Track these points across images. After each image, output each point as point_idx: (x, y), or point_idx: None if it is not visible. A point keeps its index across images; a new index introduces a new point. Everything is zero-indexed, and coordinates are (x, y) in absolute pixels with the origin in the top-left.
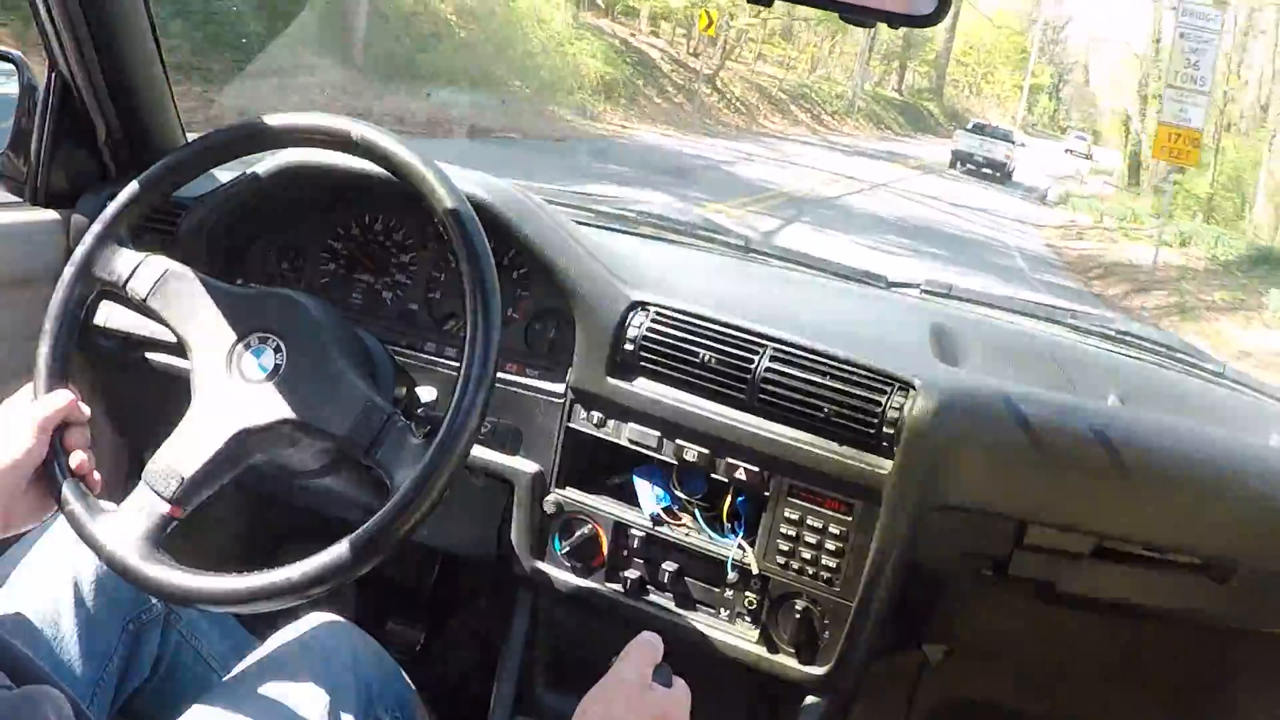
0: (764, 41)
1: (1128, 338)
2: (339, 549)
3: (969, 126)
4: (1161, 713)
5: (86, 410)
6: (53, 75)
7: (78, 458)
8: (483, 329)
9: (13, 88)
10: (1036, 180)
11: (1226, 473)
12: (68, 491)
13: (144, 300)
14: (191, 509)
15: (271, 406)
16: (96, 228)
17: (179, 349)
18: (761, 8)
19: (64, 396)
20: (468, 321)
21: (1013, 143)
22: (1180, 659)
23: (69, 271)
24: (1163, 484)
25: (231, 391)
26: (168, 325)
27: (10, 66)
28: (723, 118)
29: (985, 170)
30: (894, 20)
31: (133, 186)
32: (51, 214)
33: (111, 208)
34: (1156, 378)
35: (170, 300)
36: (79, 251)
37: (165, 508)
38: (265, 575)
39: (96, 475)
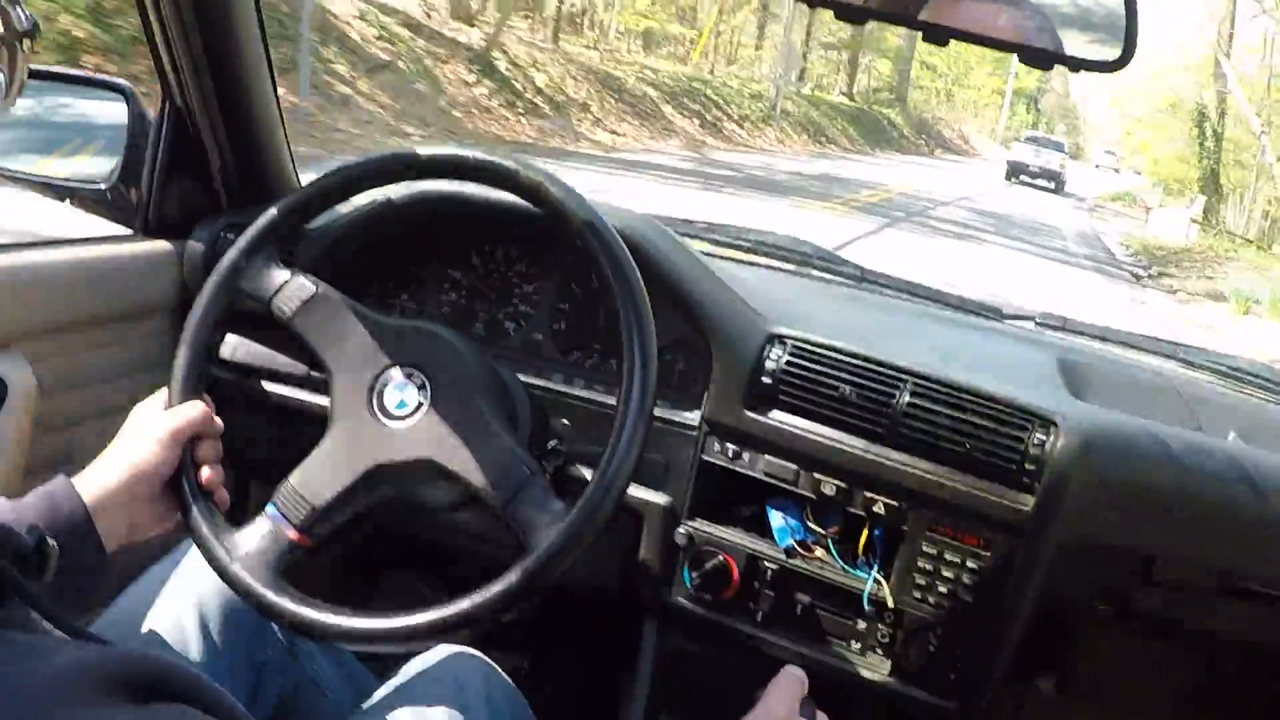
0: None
1: (1240, 374)
2: (489, 592)
3: (1023, 138)
4: None
5: (220, 424)
6: (166, 104)
7: (207, 472)
8: (640, 361)
9: (121, 117)
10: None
11: None
12: (195, 509)
13: (289, 319)
14: (315, 541)
15: (411, 445)
16: (243, 242)
17: (302, 381)
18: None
19: (198, 408)
20: (626, 355)
21: (1065, 152)
22: None
23: (213, 280)
24: None
25: (371, 424)
26: (311, 348)
27: (119, 96)
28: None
29: (1040, 181)
30: (1074, 64)
31: (284, 203)
32: (164, 244)
33: (260, 223)
34: (1273, 415)
35: (316, 322)
36: (225, 261)
37: (293, 534)
38: (414, 616)
39: (225, 493)
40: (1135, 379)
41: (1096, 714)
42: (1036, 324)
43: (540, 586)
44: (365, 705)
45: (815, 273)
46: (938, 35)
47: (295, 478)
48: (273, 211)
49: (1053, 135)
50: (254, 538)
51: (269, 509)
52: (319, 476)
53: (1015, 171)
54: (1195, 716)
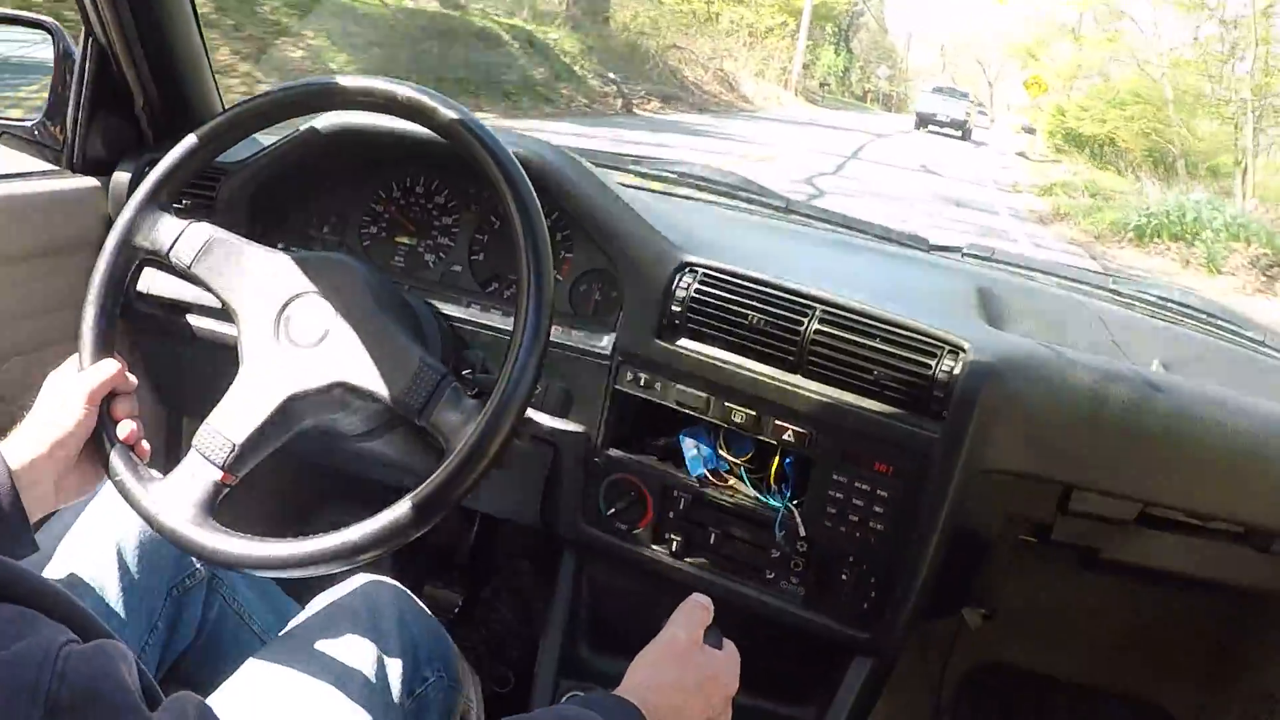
0: None
1: (1169, 304)
2: (399, 510)
3: (930, 89)
4: (1190, 678)
5: (133, 379)
6: (89, 42)
7: (126, 427)
8: (535, 286)
9: (48, 54)
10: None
11: (1269, 443)
12: (117, 462)
13: (188, 268)
14: (243, 475)
15: (322, 370)
16: (138, 196)
17: (223, 314)
18: None
19: (111, 366)
20: (520, 279)
21: (970, 100)
22: (1215, 626)
23: (111, 240)
24: (1208, 452)
25: (281, 356)
26: (214, 292)
27: (45, 34)
28: None
29: (948, 130)
30: None
31: (175, 153)
32: (90, 181)
33: (153, 175)
34: (1198, 345)
35: (215, 267)
36: (121, 220)
37: (217, 474)
38: (324, 539)
39: (145, 444)
40: (1058, 309)
41: (1027, 646)
42: (963, 255)
43: (457, 494)
44: (280, 633)
45: (740, 204)
46: None
47: (213, 417)
48: (162, 166)
49: (954, 85)
50: (179, 480)
51: (191, 452)
52: (236, 413)
53: (924, 121)
54: (1123, 647)
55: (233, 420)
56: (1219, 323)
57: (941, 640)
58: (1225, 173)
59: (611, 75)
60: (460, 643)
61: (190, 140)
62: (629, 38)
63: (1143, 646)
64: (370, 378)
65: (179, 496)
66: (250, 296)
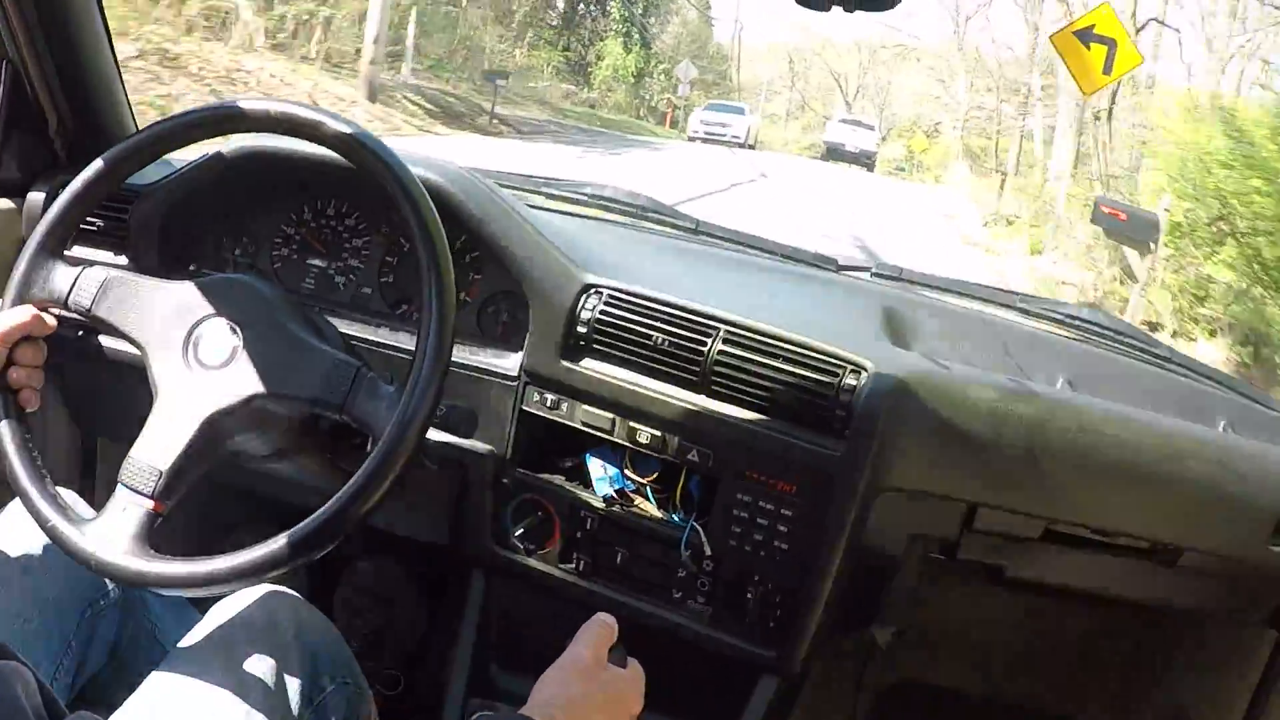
0: None
1: (1077, 322)
2: (304, 528)
3: (840, 118)
4: (1105, 694)
5: (51, 321)
6: (3, 64)
7: (16, 372)
8: (437, 306)
9: None
10: None
11: (1174, 459)
12: (46, 509)
13: (89, 311)
14: (174, 502)
15: (236, 385)
16: (29, 248)
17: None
18: None
19: (25, 311)
20: (423, 300)
21: (875, 130)
22: (1125, 642)
23: (8, 297)
24: (1112, 469)
25: (194, 380)
26: (118, 332)
27: None
28: None
29: (856, 161)
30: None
31: (66, 195)
32: (5, 203)
33: (42, 224)
34: (1105, 362)
35: (115, 306)
36: (15, 275)
37: (148, 504)
38: (268, 546)
39: (31, 394)
40: (964, 327)
41: (940, 665)
42: (872, 275)
43: (359, 513)
44: (180, 646)
45: (650, 225)
46: None
47: (136, 450)
48: (54, 210)
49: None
50: (109, 517)
51: (119, 488)
52: (158, 441)
53: (832, 152)
54: (1036, 665)
55: (155, 448)
56: (1126, 340)
57: (853, 659)
58: None
59: None
60: (372, 664)
61: (96, 166)
62: None
63: (1055, 663)
64: (286, 383)
65: (113, 532)
66: (155, 328)
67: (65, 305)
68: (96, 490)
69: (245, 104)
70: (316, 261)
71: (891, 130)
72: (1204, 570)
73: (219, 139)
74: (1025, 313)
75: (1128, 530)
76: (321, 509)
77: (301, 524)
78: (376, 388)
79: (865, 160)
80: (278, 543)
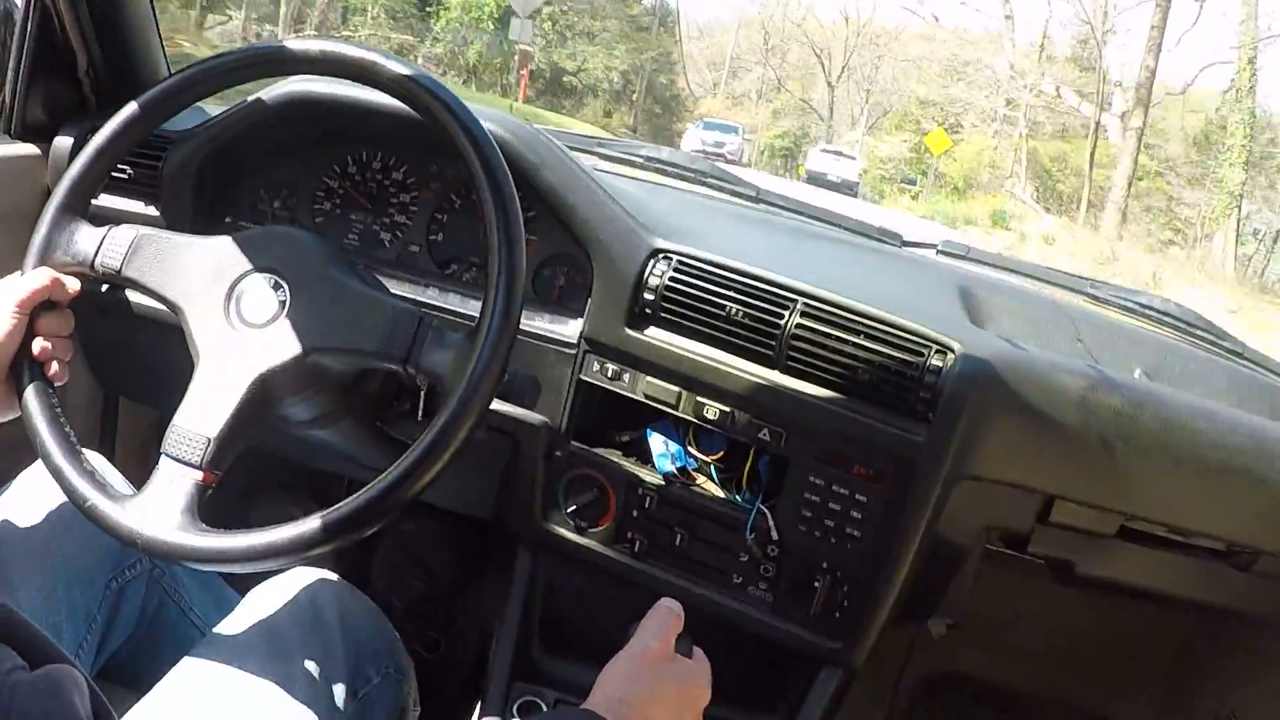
0: None
1: (1149, 311)
2: (406, 463)
3: (821, 148)
4: (1146, 695)
5: (74, 284)
6: (31, 1)
7: (40, 344)
8: (507, 259)
9: None
10: None
11: (1258, 459)
12: (84, 487)
13: (119, 273)
14: (223, 472)
15: (287, 342)
16: (50, 210)
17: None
18: None
19: (45, 274)
20: (492, 253)
21: (857, 160)
22: (1172, 642)
23: (29, 261)
24: (1199, 466)
25: (239, 341)
26: (151, 293)
27: None
28: None
29: (839, 190)
30: None
31: (92, 148)
32: (30, 148)
33: (66, 180)
34: (1179, 354)
35: (147, 266)
36: (35, 241)
37: (197, 475)
38: (322, 518)
39: (59, 367)
40: (1035, 311)
41: (984, 657)
42: (939, 252)
43: (411, 491)
44: (217, 628)
45: (711, 191)
46: None
47: (179, 418)
48: (77, 165)
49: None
50: (155, 491)
51: (163, 459)
52: (205, 407)
53: (814, 180)
54: (1081, 661)
55: (202, 415)
56: (1198, 332)
57: (898, 649)
58: None
59: None
60: (414, 644)
61: (129, 110)
62: None
63: (1101, 660)
64: (342, 336)
65: (161, 508)
66: (192, 287)
67: (92, 268)
68: (117, 454)
69: (291, 44)
70: (361, 216)
71: (886, 117)
72: (1278, 575)
73: (260, 83)
74: (1095, 299)
75: (1207, 530)
76: (391, 468)
77: (367, 487)
78: (443, 337)
79: (848, 189)
80: (343, 509)
